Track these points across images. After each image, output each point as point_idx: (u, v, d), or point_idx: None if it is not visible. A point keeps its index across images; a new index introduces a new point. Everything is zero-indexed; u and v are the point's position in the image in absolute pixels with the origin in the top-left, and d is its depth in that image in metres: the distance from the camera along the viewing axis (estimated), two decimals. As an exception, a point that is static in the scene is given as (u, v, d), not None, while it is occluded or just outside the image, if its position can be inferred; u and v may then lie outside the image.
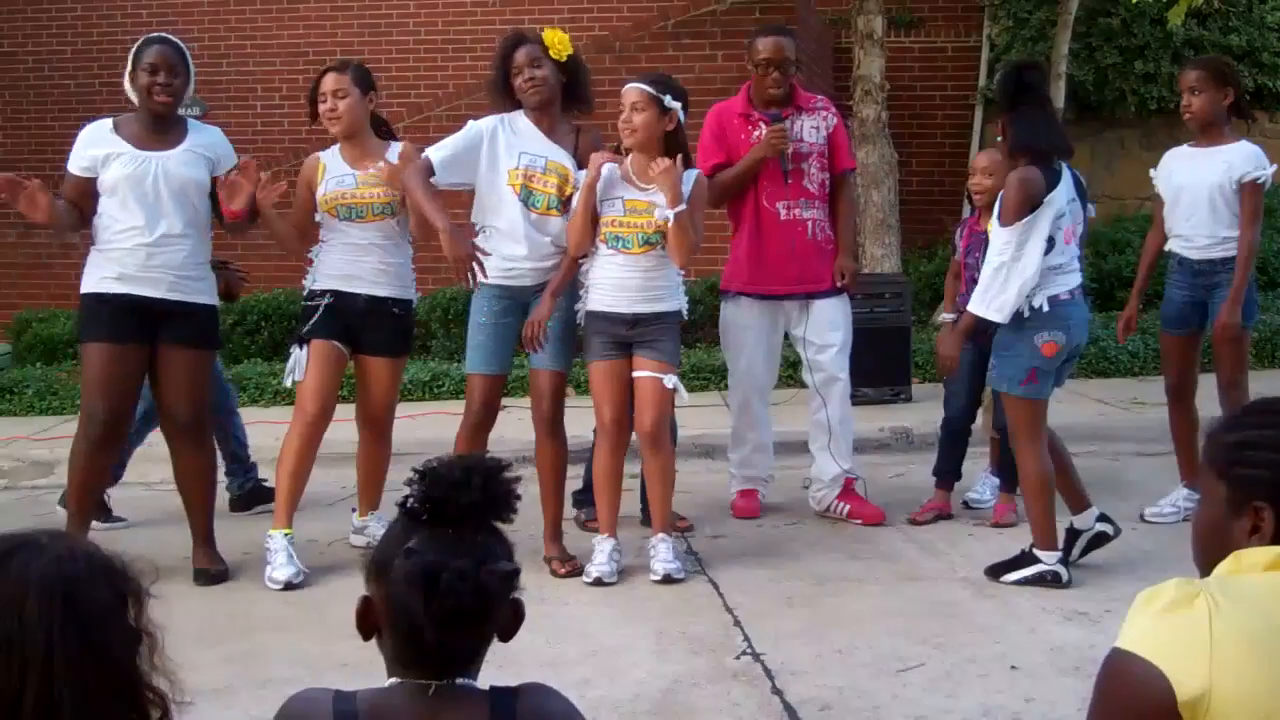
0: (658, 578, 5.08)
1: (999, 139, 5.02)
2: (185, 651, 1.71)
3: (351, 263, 5.40)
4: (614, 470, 5.26)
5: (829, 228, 6.00)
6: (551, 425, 5.35)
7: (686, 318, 5.35)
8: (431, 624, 1.79)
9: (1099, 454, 6.98)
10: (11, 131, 12.27)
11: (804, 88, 6.17)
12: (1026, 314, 4.88)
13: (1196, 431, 5.69)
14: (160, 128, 5.24)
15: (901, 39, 11.41)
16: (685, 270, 5.37)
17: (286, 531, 5.31)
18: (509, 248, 5.27)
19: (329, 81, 5.42)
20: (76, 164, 5.22)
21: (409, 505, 1.87)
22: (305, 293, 5.51)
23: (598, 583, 5.09)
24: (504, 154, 5.28)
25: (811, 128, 5.95)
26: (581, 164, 5.30)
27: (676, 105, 5.14)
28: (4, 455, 7.42)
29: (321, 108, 5.42)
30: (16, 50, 12.40)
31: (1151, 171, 5.84)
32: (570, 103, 5.43)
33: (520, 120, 5.34)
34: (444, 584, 1.78)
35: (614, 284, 5.18)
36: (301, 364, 5.34)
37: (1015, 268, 4.79)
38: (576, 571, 5.23)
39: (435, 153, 5.23)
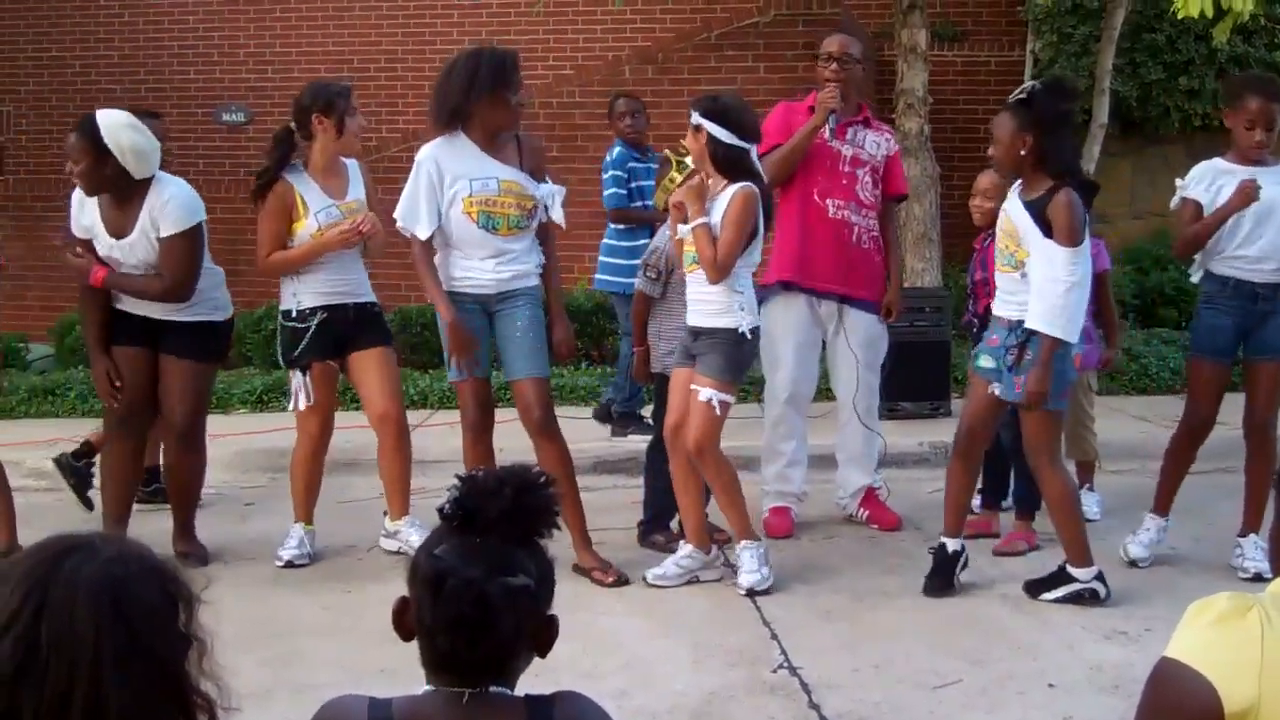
0: (742, 590, 5.09)
1: (1021, 152, 4.92)
2: (223, 655, 1.72)
3: (339, 280, 5.57)
4: (684, 475, 5.26)
5: (875, 241, 6.04)
6: (546, 430, 5.37)
7: (748, 336, 5.15)
8: (439, 629, 1.82)
9: (1140, 472, 6.91)
10: (58, 136, 12.36)
11: (870, 108, 6.20)
12: None
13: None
14: (116, 200, 5.41)
15: (944, 53, 11.37)
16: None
17: (307, 526, 5.68)
18: (473, 265, 5.32)
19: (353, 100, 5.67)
20: (78, 228, 5.54)
21: (444, 510, 1.90)
22: (291, 313, 5.56)
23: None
24: (449, 182, 5.24)
25: (874, 141, 6.05)
26: (532, 174, 5.38)
27: (702, 121, 5.09)
28: (47, 457, 7.48)
29: (351, 123, 5.57)
30: (64, 55, 12.52)
31: (1178, 181, 5.50)
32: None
33: (459, 140, 5.28)
34: (448, 590, 1.81)
35: (688, 297, 5.27)
36: (307, 389, 5.54)
37: (1081, 288, 4.82)
38: (622, 580, 5.24)
39: (420, 227, 5.24)
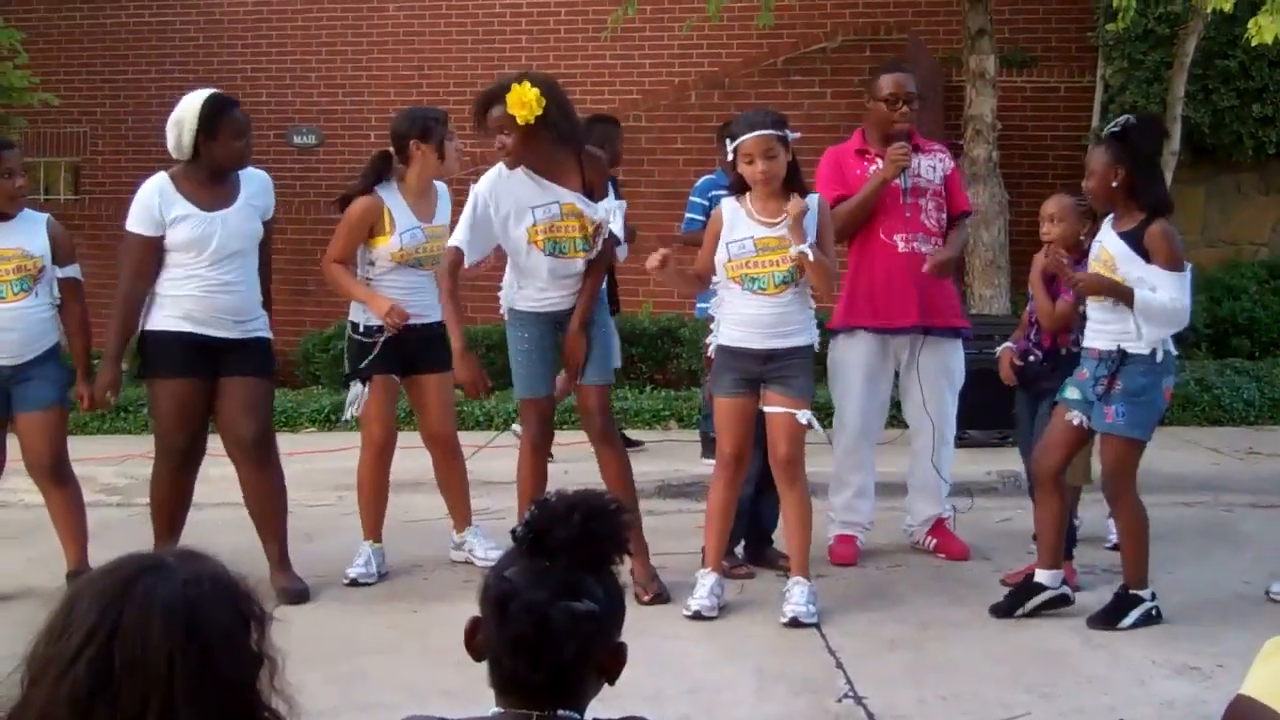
0: (785, 620, 5.00)
1: (1114, 184, 4.93)
2: (290, 672, 1.72)
3: (410, 303, 5.65)
4: (726, 504, 5.25)
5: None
6: (606, 436, 5.41)
7: (816, 350, 5.25)
8: (503, 650, 1.82)
9: (1212, 505, 6.83)
10: (133, 156, 12.60)
11: (921, 132, 6.14)
12: (1159, 358, 4.89)
13: None
14: (220, 181, 5.41)
15: (1013, 78, 11.31)
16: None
17: (375, 543, 5.73)
18: (541, 289, 5.36)
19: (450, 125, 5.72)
20: (146, 225, 5.32)
21: (517, 533, 1.90)
22: (359, 328, 5.70)
23: (696, 616, 5.06)
24: (513, 215, 5.25)
25: (929, 166, 5.97)
26: (589, 191, 5.31)
27: (796, 135, 5.13)
28: (119, 473, 7.58)
29: (450, 146, 5.68)
30: (140, 77, 12.75)
31: None
32: (560, 143, 5.25)
33: (517, 171, 5.27)
34: (511, 612, 1.81)
35: (747, 320, 5.14)
36: (363, 399, 5.66)
37: (1185, 311, 4.90)
38: (662, 598, 5.24)
39: (459, 239, 5.25)
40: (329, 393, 9.55)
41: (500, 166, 5.29)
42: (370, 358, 5.65)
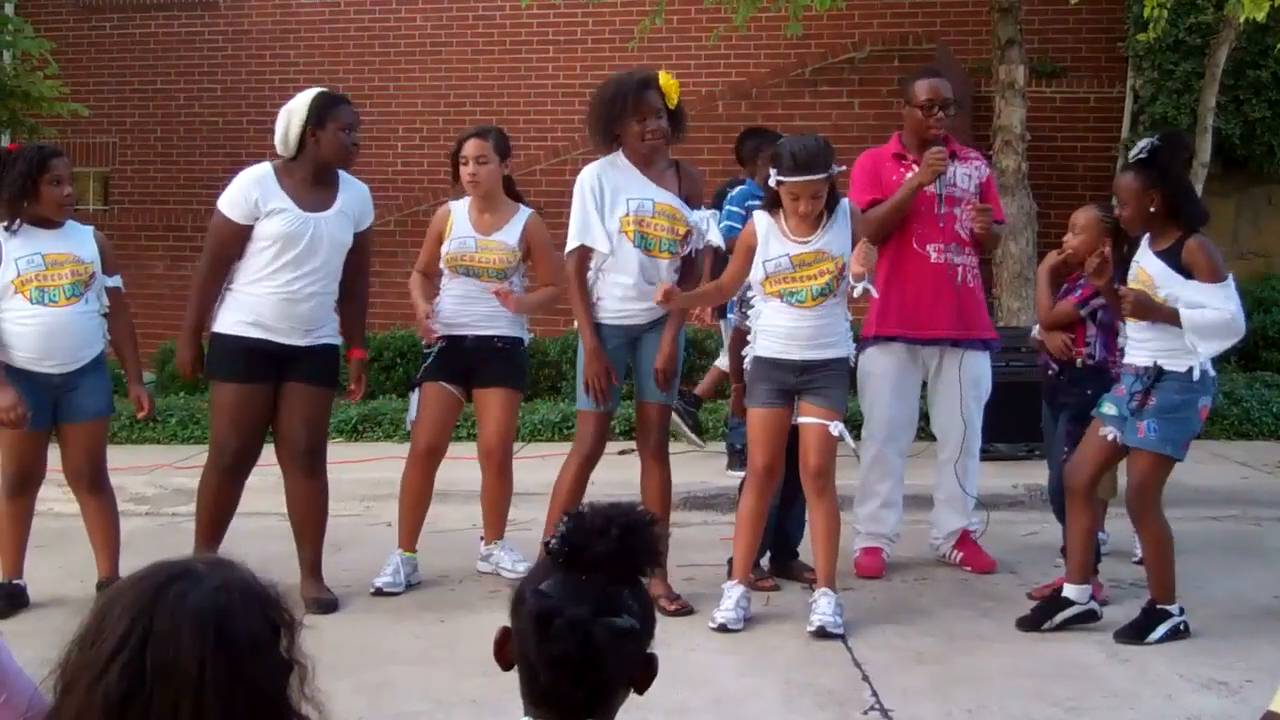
0: (812, 629, 4.99)
1: (1151, 209, 4.91)
2: (318, 680, 1.73)
3: (460, 311, 5.74)
4: (757, 514, 5.25)
5: (978, 278, 5.99)
6: (659, 453, 5.47)
7: (853, 364, 5.32)
8: (543, 666, 1.82)
9: (1241, 518, 6.79)
10: (162, 166, 12.68)
11: (957, 139, 6.12)
12: (1196, 377, 4.86)
13: None
14: (321, 180, 5.41)
15: (1043, 89, 11.27)
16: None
17: (406, 553, 5.75)
18: (624, 290, 5.37)
19: (471, 147, 5.71)
20: (239, 211, 5.31)
21: (550, 545, 1.89)
22: (424, 342, 5.86)
23: (722, 629, 5.06)
24: (609, 200, 5.33)
25: (965, 175, 5.94)
26: (688, 200, 5.40)
27: (843, 169, 5.17)
28: (147, 482, 7.62)
29: (463, 170, 5.71)
30: (169, 88, 12.82)
31: None
32: (670, 141, 5.47)
33: (620, 160, 5.40)
34: (555, 629, 1.80)
35: (785, 333, 5.16)
36: (414, 406, 5.74)
37: (1237, 319, 4.84)
38: (685, 610, 5.24)
39: (599, 240, 5.30)
40: (356, 403, 9.56)
41: (604, 159, 5.40)
42: (424, 368, 5.77)
